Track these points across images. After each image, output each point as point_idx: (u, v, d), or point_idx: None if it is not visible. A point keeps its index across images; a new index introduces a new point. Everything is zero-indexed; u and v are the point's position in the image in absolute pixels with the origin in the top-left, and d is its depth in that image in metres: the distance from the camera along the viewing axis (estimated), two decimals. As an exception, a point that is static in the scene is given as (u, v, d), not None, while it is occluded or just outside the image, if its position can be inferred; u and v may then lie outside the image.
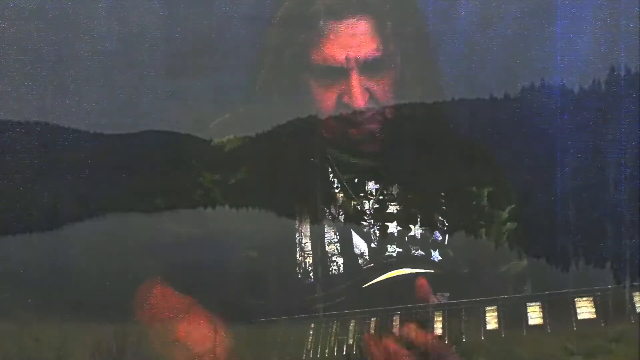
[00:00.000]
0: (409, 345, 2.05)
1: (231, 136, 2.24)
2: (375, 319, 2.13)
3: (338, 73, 2.15)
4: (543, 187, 2.21)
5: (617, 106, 2.17)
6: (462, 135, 2.24)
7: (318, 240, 2.22)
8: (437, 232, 2.24)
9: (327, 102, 2.18)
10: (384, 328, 2.10)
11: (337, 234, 2.23)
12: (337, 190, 2.25)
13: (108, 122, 2.21)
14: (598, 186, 2.19)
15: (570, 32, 2.19)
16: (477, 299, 2.08)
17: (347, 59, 2.14)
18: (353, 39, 2.14)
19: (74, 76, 2.21)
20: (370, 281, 2.17)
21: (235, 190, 2.22)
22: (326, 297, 2.17)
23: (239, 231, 2.21)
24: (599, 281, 2.13)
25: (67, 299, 2.22)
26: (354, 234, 2.23)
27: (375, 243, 2.23)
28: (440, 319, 2.08)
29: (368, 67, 2.15)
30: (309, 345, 2.14)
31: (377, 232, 2.24)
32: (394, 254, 2.23)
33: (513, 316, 2.03)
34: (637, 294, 2.00)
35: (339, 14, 2.15)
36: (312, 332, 2.15)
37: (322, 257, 2.21)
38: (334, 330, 2.14)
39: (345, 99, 2.16)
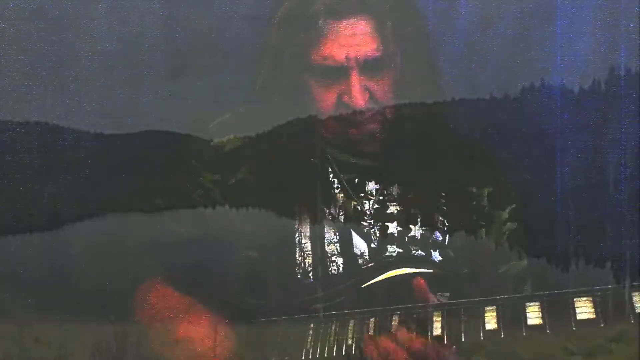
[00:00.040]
0: (408, 346, 2.06)
1: (231, 136, 2.24)
2: (375, 319, 2.13)
3: (338, 73, 2.15)
4: (543, 187, 2.21)
5: (617, 106, 2.17)
6: (462, 135, 2.24)
7: (318, 240, 2.22)
8: (437, 232, 2.24)
9: (327, 102, 2.17)
10: (384, 328, 2.10)
11: (337, 234, 2.23)
12: (337, 191, 2.24)
13: (108, 122, 2.21)
14: (598, 186, 2.19)
15: (570, 32, 2.19)
16: (477, 299, 2.08)
17: (347, 58, 2.14)
18: (353, 39, 2.14)
19: (74, 76, 2.21)
20: (370, 281, 2.17)
21: (235, 190, 2.22)
22: (326, 297, 2.17)
23: (239, 231, 2.21)
24: (599, 281, 2.13)
25: (67, 299, 2.22)
26: (354, 234, 2.23)
27: (375, 243, 2.23)
28: (440, 319, 2.08)
29: (368, 67, 2.15)
30: (309, 345, 2.14)
31: (377, 232, 2.24)
32: (394, 254, 2.23)
33: (513, 316, 2.03)
34: (636, 294, 2.00)
35: (339, 13, 2.15)
36: (311, 332, 2.15)
37: (322, 257, 2.21)
38: (333, 330, 2.14)
39: (345, 99, 2.16)
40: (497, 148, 2.24)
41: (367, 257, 2.22)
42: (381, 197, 2.25)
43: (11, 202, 2.20)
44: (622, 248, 2.16)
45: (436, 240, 2.24)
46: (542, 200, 2.22)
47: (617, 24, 2.17)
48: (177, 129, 2.23)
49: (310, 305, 2.17)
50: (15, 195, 2.20)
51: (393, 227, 2.24)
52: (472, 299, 2.09)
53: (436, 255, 2.23)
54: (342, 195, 2.25)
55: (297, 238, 2.22)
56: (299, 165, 2.23)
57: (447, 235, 2.24)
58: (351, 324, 2.14)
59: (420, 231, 2.24)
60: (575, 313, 1.99)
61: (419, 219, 2.24)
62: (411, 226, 2.24)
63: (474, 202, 2.24)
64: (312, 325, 2.15)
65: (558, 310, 2.00)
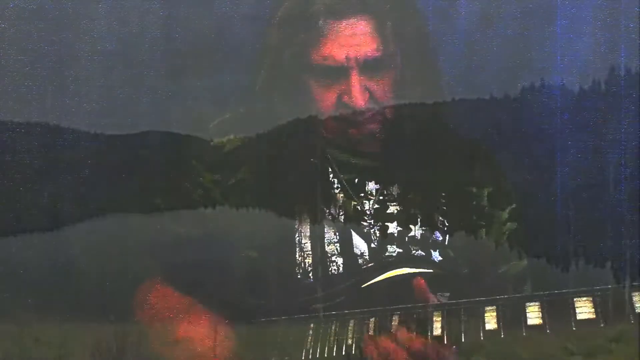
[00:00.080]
0: (408, 346, 2.06)
1: (231, 136, 2.24)
2: (375, 319, 2.12)
3: (338, 73, 2.15)
4: (543, 187, 2.21)
5: (617, 106, 2.17)
6: (462, 135, 2.24)
7: (318, 240, 2.22)
8: (437, 232, 2.24)
9: (327, 102, 2.17)
10: (384, 328, 2.10)
11: (337, 234, 2.23)
12: (337, 191, 2.24)
13: (108, 122, 2.21)
14: (598, 186, 2.19)
15: (570, 32, 2.19)
16: (477, 299, 2.08)
17: (347, 58, 2.14)
18: (353, 39, 2.14)
19: (74, 76, 2.21)
20: (370, 281, 2.17)
21: (235, 190, 2.22)
22: (326, 297, 2.17)
23: (239, 231, 2.21)
24: (599, 281, 2.13)
25: (66, 299, 2.22)
26: (354, 234, 2.23)
27: (375, 243, 2.23)
28: (440, 319, 2.08)
29: (368, 67, 2.15)
30: (309, 345, 2.14)
31: (377, 232, 2.24)
32: (394, 254, 2.23)
33: (513, 316, 2.03)
34: (636, 294, 2.00)
35: (339, 13, 2.15)
36: (311, 332, 2.15)
37: (322, 257, 2.21)
38: (333, 330, 2.14)
39: (345, 99, 2.16)
40: (497, 148, 2.24)
41: (367, 257, 2.22)
42: (381, 197, 2.25)
43: (11, 202, 2.20)
44: (622, 248, 2.16)
45: (436, 240, 2.24)
46: (542, 200, 2.22)
47: (617, 24, 2.17)
48: (177, 129, 2.23)
49: (310, 305, 2.17)
50: (15, 195, 2.20)
51: (393, 227, 2.24)
52: (472, 299, 2.09)
53: (436, 255, 2.23)
54: (342, 195, 2.24)
55: (297, 238, 2.22)
56: (299, 165, 2.22)
57: (447, 235, 2.24)
58: (351, 324, 2.14)
59: (420, 231, 2.24)
60: (575, 313, 1.99)
61: (418, 219, 2.24)
62: (411, 226, 2.24)
63: (474, 202, 2.23)
64: (312, 325, 2.15)
65: (558, 310, 2.00)
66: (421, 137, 2.23)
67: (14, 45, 2.19)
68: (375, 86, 2.16)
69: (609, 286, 2.04)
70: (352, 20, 2.14)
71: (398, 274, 2.17)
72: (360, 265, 2.22)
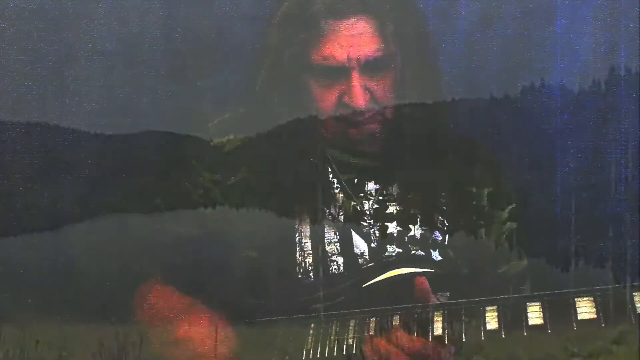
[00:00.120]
0: (408, 346, 2.06)
1: (231, 136, 2.24)
2: (375, 318, 2.13)
3: (338, 73, 2.15)
4: (543, 187, 2.21)
5: (617, 106, 2.17)
6: (462, 135, 2.24)
7: (318, 240, 2.22)
8: (437, 232, 2.24)
9: (327, 102, 2.17)
10: (384, 328, 2.10)
11: (337, 234, 2.23)
12: (336, 191, 2.24)
13: (108, 122, 2.21)
14: (598, 186, 2.19)
15: (570, 32, 2.19)
16: (477, 299, 2.08)
17: (347, 58, 2.14)
18: (353, 39, 2.14)
19: (74, 76, 2.21)
20: (370, 281, 2.17)
21: (235, 190, 2.22)
22: (326, 297, 2.17)
23: (239, 231, 2.21)
24: (599, 281, 2.13)
25: (66, 299, 2.22)
26: (353, 234, 2.23)
27: (375, 243, 2.23)
28: (440, 319, 2.08)
29: (368, 67, 2.15)
30: (309, 345, 2.14)
31: (377, 232, 2.24)
32: (394, 254, 2.23)
33: (513, 316, 2.03)
34: (637, 294, 2.00)
35: (339, 13, 2.14)
36: (312, 332, 2.15)
37: (322, 257, 2.21)
38: (334, 330, 2.14)
39: (346, 99, 2.16)
40: (496, 148, 2.24)
41: (367, 257, 2.22)
42: (381, 197, 2.25)
43: (11, 202, 2.20)
44: (622, 248, 2.16)
45: (436, 240, 2.24)
46: (541, 200, 2.22)
47: (617, 24, 2.17)
48: (177, 129, 2.23)
49: (311, 305, 2.17)
50: (15, 195, 2.20)
51: (393, 227, 2.24)
52: (472, 299, 2.09)
53: (436, 255, 2.23)
54: (341, 195, 2.25)
55: (297, 238, 2.22)
56: (298, 165, 2.22)
57: (447, 235, 2.24)
58: (351, 324, 2.14)
59: (420, 231, 2.24)
60: (576, 313, 1.99)
61: (418, 219, 2.24)
62: (411, 226, 2.24)
63: (474, 202, 2.24)
64: (312, 325, 2.15)
65: (559, 310, 2.00)
66: (421, 137, 2.23)
67: (14, 45, 2.19)
68: (375, 86, 2.16)
69: (609, 286, 2.04)
70: (352, 20, 2.14)
71: (398, 273, 2.17)
72: (360, 265, 2.22)
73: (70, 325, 2.19)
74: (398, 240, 2.24)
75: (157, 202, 2.23)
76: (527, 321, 2.01)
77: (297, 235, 2.23)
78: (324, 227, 2.23)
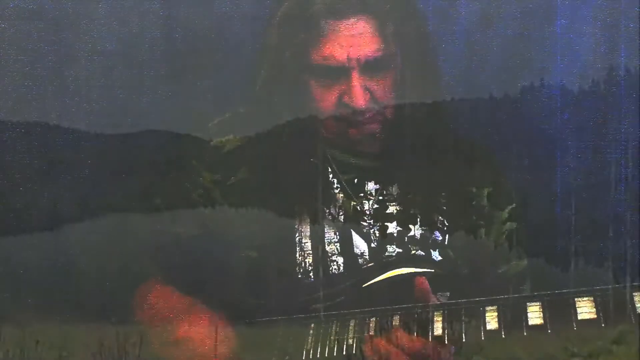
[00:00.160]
0: (408, 346, 2.06)
1: (231, 136, 2.24)
2: (375, 318, 2.13)
3: (339, 73, 2.15)
4: (543, 187, 2.21)
5: (617, 106, 2.17)
6: (462, 135, 2.24)
7: (318, 240, 2.22)
8: (437, 232, 2.24)
9: (327, 102, 2.17)
10: (384, 328, 2.10)
11: (337, 234, 2.23)
12: (336, 191, 2.24)
13: (108, 122, 2.21)
14: (598, 186, 2.19)
15: (570, 32, 2.19)
16: (477, 299, 2.08)
17: (348, 58, 2.14)
18: (354, 39, 2.14)
19: (74, 76, 2.21)
20: (370, 281, 2.17)
21: (235, 190, 2.22)
22: (326, 297, 2.17)
23: (239, 231, 2.21)
24: (599, 281, 2.13)
25: (67, 299, 2.22)
26: (353, 234, 2.23)
27: (375, 243, 2.23)
28: (440, 319, 2.08)
29: (369, 67, 2.15)
30: (309, 345, 2.14)
31: (377, 232, 2.24)
32: (394, 254, 2.23)
33: (513, 316, 2.03)
34: (637, 294, 2.00)
35: (339, 13, 2.14)
36: (312, 332, 2.15)
37: (322, 257, 2.21)
38: (334, 330, 2.14)
39: (346, 98, 2.16)
40: (496, 148, 2.24)
41: (367, 257, 2.22)
42: (381, 197, 2.25)
43: (11, 202, 2.20)
44: (623, 248, 2.16)
45: (436, 240, 2.24)
46: (541, 200, 2.22)
47: (617, 24, 2.17)
48: (177, 129, 2.23)
49: (311, 305, 2.17)
50: (15, 195, 2.20)
51: (393, 227, 2.24)
52: (472, 299, 2.09)
53: (436, 255, 2.23)
54: (341, 195, 2.25)
55: (297, 238, 2.22)
56: (298, 165, 2.22)
57: (447, 235, 2.24)
58: (351, 324, 2.14)
59: (420, 231, 2.24)
60: (576, 313, 1.99)
61: (418, 219, 2.24)
62: (411, 226, 2.24)
63: (474, 202, 2.24)
64: (312, 325, 2.15)
65: (559, 310, 2.00)
66: (421, 137, 2.23)
67: (14, 45, 2.19)
68: (375, 86, 2.16)
69: (609, 286, 2.04)
70: (352, 20, 2.14)
71: (398, 274, 2.17)
72: (360, 265, 2.22)
73: (70, 325, 2.19)
74: (398, 240, 2.24)
75: (157, 202, 2.23)
76: (527, 321, 2.01)
77: (297, 235, 2.23)
78: (324, 227, 2.23)
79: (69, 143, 2.20)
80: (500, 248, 2.23)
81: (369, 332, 2.11)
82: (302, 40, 2.16)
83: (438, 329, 2.07)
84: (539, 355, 2.05)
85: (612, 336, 2.01)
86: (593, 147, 2.19)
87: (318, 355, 2.12)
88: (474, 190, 2.24)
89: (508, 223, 2.23)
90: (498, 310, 2.04)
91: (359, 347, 2.10)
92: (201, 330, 2.15)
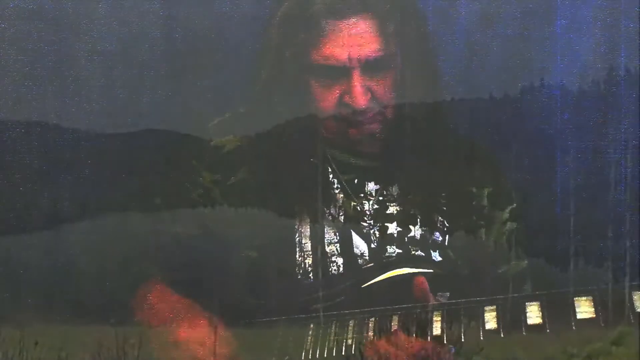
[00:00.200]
0: (408, 346, 2.06)
1: (231, 136, 2.24)
2: (375, 319, 2.12)
3: (339, 73, 2.15)
4: (543, 187, 2.21)
5: (617, 106, 2.17)
6: (462, 135, 2.24)
7: (318, 240, 2.22)
8: (437, 232, 2.24)
9: (327, 102, 2.17)
10: (384, 328, 2.10)
11: (337, 234, 2.23)
12: (337, 191, 2.24)
13: (108, 122, 2.21)
14: (598, 186, 2.19)
15: (570, 32, 2.19)
16: (477, 299, 2.08)
17: (348, 58, 2.14)
18: (354, 39, 2.14)
19: (74, 76, 2.21)
20: (370, 281, 2.17)
21: (235, 190, 2.22)
22: (326, 297, 2.17)
23: (239, 231, 2.21)
24: (599, 281, 2.13)
25: (67, 300, 2.22)
26: (354, 234, 2.23)
27: (375, 244, 2.23)
28: (440, 319, 2.08)
29: (369, 66, 2.15)
30: (309, 346, 2.14)
31: (377, 232, 2.23)
32: (394, 255, 2.23)
33: (513, 316, 2.03)
34: (636, 293, 2.00)
35: (339, 13, 2.15)
36: (311, 332, 2.15)
37: (322, 258, 2.21)
38: (333, 331, 2.14)
39: (346, 98, 2.16)
40: (497, 148, 2.24)
41: (367, 257, 2.22)
42: (381, 198, 2.25)
43: (11, 202, 2.20)
44: (622, 248, 2.16)
45: (436, 241, 2.24)
46: (541, 200, 2.22)
47: (617, 24, 2.17)
48: (177, 129, 2.23)
49: (310, 305, 2.17)
50: (15, 195, 2.20)
51: (393, 228, 2.24)
52: (472, 299, 2.09)
53: (436, 256, 2.23)
54: (342, 195, 2.24)
55: (297, 238, 2.22)
56: (299, 165, 2.22)
57: (447, 236, 2.24)
58: (351, 324, 2.14)
59: (420, 231, 2.24)
60: (575, 313, 1.99)
61: (418, 220, 2.24)
62: (411, 227, 2.24)
63: (474, 202, 2.23)
64: (312, 325, 2.15)
65: (558, 310, 2.00)
66: (421, 138, 2.23)
67: (14, 45, 2.19)
68: (375, 86, 2.16)
69: (609, 286, 2.04)
70: (352, 20, 2.14)
71: (398, 274, 2.17)
72: (360, 265, 2.22)
73: (69, 326, 2.19)
74: (398, 240, 2.23)
75: (157, 202, 2.23)
76: (526, 321, 2.01)
77: (297, 235, 2.22)
78: (324, 227, 2.23)
79: (69, 143, 2.20)
80: (501, 248, 2.22)
81: (368, 332, 2.11)
82: (303, 40, 2.17)
83: (437, 329, 2.07)
84: (538, 355, 2.05)
85: (612, 336, 2.01)
86: (593, 147, 2.19)
87: (317, 356, 2.12)
88: (474, 190, 2.24)
89: (508, 223, 2.23)
90: (497, 310, 2.04)
91: (358, 348, 2.10)
92: (200, 331, 2.15)
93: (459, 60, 2.21)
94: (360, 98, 2.15)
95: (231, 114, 2.26)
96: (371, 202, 2.24)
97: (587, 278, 2.16)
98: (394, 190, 2.25)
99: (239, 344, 2.15)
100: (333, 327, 2.14)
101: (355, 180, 2.25)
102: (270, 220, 2.22)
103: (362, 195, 2.25)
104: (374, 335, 2.11)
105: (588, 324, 1.99)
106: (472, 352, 2.05)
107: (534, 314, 2.02)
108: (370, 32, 2.15)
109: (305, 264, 2.21)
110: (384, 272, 2.18)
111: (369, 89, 2.16)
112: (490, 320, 2.04)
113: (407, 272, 2.17)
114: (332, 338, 2.13)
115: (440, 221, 2.24)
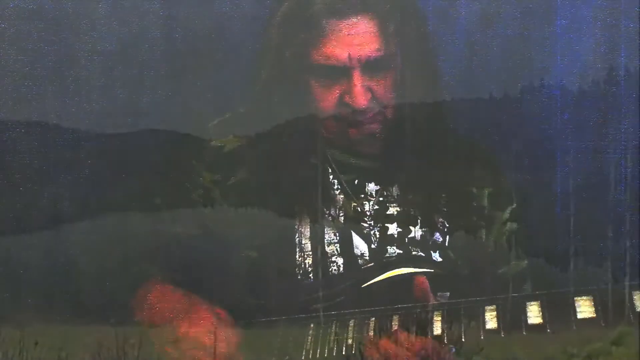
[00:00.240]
0: (408, 346, 2.05)
1: (231, 136, 2.24)
2: (375, 319, 2.12)
3: (340, 73, 2.15)
4: (543, 187, 2.21)
5: (617, 106, 2.17)
6: (462, 135, 2.24)
7: (318, 240, 2.22)
8: (437, 233, 2.24)
9: (327, 102, 2.17)
10: (384, 328, 2.10)
11: (337, 234, 2.23)
12: (337, 191, 2.24)
13: (108, 122, 2.21)
14: (598, 186, 2.19)
15: (570, 32, 2.19)
16: (477, 299, 2.08)
17: (349, 58, 2.14)
18: (354, 39, 2.14)
19: (74, 76, 2.21)
20: (370, 281, 2.17)
21: (235, 190, 2.22)
22: (326, 297, 2.17)
23: (239, 231, 2.21)
24: (599, 281, 2.13)
25: (67, 300, 2.22)
26: (354, 234, 2.23)
27: (375, 244, 2.23)
28: (440, 319, 2.08)
29: (369, 66, 2.15)
30: (309, 346, 2.13)
31: (377, 233, 2.23)
32: (394, 255, 2.23)
33: (513, 316, 2.03)
34: (637, 293, 2.00)
35: (340, 13, 2.15)
36: (311, 332, 2.15)
37: (322, 258, 2.21)
38: (333, 331, 2.14)
39: (347, 98, 2.16)
40: (497, 148, 2.24)
41: (367, 258, 2.22)
42: (381, 198, 2.25)
43: (11, 202, 2.20)
44: (622, 248, 2.16)
45: (436, 241, 2.24)
46: (541, 200, 2.22)
47: (617, 24, 2.17)
48: (177, 129, 2.23)
49: (311, 305, 2.17)
50: (15, 195, 2.20)
51: (393, 228, 2.24)
52: (472, 299, 2.09)
53: (436, 256, 2.23)
54: (342, 195, 2.24)
55: (297, 238, 2.22)
56: (299, 165, 2.22)
57: (447, 236, 2.24)
58: (351, 324, 2.13)
59: (420, 232, 2.24)
60: (575, 313, 1.99)
61: (419, 220, 2.24)
62: (411, 227, 2.24)
63: (474, 203, 2.23)
64: (312, 325, 2.15)
65: (558, 309, 2.00)
66: (421, 138, 2.23)
67: (14, 45, 2.19)
68: (376, 86, 2.16)
69: (609, 286, 2.04)
70: (353, 20, 2.14)
71: (398, 274, 2.17)
72: (360, 266, 2.22)
73: (69, 326, 2.19)
74: (398, 241, 2.23)
75: (157, 202, 2.23)
76: (526, 321, 2.01)
77: (297, 235, 2.22)
78: (324, 227, 2.23)
79: (69, 143, 2.20)
80: (501, 248, 2.22)
81: (368, 332, 2.11)
82: (303, 40, 2.17)
83: (437, 329, 2.07)
84: (539, 355, 2.05)
85: (612, 336, 2.01)
86: (593, 147, 2.19)
87: (317, 356, 2.12)
88: (474, 190, 2.24)
89: (508, 223, 2.23)
90: (497, 310, 2.04)
91: (358, 348, 2.10)
92: (200, 331, 2.15)
93: (459, 60, 2.21)
94: (360, 98, 2.15)
95: (231, 114, 2.26)
96: (371, 203, 2.24)
97: (587, 278, 2.16)
98: (394, 190, 2.25)
99: (239, 344, 2.15)
100: (333, 327, 2.14)
101: (356, 181, 2.25)
102: (271, 220, 2.22)
103: (362, 195, 2.25)
104: (374, 335, 2.10)
105: (588, 324, 1.99)
106: (472, 352, 2.05)
107: (534, 314, 2.02)
108: (371, 32, 2.15)
109: (305, 264, 2.21)
110: (384, 273, 2.17)
111: (369, 89, 2.16)
112: (491, 320, 2.04)
113: (407, 271, 2.17)
114: (332, 338, 2.13)
115: (441, 222, 2.24)
